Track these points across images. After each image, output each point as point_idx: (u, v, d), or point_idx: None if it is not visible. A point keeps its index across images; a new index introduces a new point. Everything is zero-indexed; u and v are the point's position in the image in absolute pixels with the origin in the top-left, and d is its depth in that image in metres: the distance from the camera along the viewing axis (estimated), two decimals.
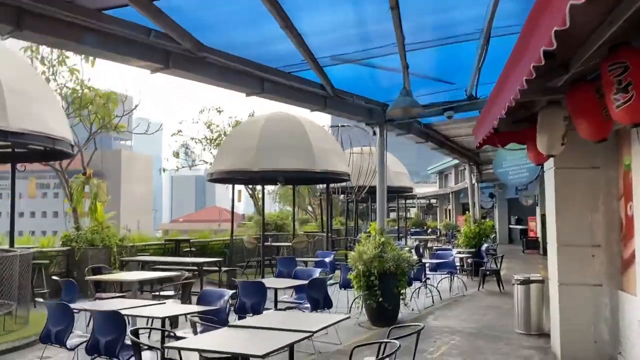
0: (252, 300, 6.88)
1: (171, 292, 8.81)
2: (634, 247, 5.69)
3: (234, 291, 6.07)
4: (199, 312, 5.49)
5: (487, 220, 17.04)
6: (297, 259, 13.01)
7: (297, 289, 8.01)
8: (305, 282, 7.31)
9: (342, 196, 20.61)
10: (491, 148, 15.28)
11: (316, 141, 13.82)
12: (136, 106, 14.47)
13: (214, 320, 5.42)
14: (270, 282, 7.74)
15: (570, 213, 6.32)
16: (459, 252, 15.03)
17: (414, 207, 52.87)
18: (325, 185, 18.98)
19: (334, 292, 10.07)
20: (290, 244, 14.26)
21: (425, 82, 7.71)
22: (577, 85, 4.31)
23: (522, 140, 6.22)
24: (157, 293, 8.77)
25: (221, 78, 5.72)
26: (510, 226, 32.41)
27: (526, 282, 7.78)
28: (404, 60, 6.11)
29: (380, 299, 8.33)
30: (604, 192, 6.24)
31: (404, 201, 32.07)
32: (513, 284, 8.01)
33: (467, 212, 17.14)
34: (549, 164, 6.51)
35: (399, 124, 9.27)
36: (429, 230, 35.89)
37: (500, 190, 28.32)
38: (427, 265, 11.23)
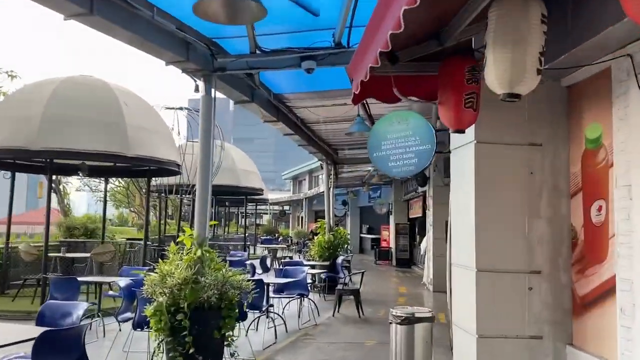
0: None
1: None
2: (605, 276, 3.35)
3: None
4: None
5: (340, 228, 14.86)
6: (87, 278, 9.30)
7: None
8: (40, 332, 3.93)
9: (175, 196, 16.99)
10: (353, 141, 13.07)
11: (133, 118, 10.30)
12: None
13: None
14: None
15: (496, 217, 3.85)
16: (311, 267, 12.50)
17: (267, 213, 50.45)
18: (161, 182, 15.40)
19: (129, 333, 6.72)
20: (89, 255, 10.45)
21: (275, 3, 4.84)
22: None
23: (430, 90, 3.64)
24: None
25: None
26: (362, 235, 31.28)
27: (409, 321, 5.25)
28: None
29: (192, 350, 5.23)
30: (549, 186, 3.87)
31: (254, 206, 29.18)
32: (390, 323, 5.42)
33: (320, 220, 14.73)
34: (465, 137, 4.02)
35: (238, 81, 6.29)
36: (280, 238, 33.47)
37: (354, 197, 26.89)
38: (271, 286, 8.38)
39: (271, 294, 8.76)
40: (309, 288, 10.51)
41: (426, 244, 14.88)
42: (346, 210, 32.48)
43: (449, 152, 5.51)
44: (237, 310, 5.76)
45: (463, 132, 3.56)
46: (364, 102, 8.10)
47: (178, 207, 26.25)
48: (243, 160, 18.46)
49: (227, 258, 14.00)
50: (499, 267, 3.78)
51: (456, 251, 4.31)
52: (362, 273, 10.02)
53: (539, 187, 3.84)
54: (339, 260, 12.60)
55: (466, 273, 3.96)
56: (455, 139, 4.27)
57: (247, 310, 6.72)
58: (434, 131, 5.36)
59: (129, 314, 6.85)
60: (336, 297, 9.99)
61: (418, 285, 15.09)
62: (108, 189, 29.89)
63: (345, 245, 14.35)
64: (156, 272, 5.58)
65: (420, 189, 17.76)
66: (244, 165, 18.14)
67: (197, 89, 5.69)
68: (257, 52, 5.48)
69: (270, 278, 9.54)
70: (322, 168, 14.44)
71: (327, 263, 12.59)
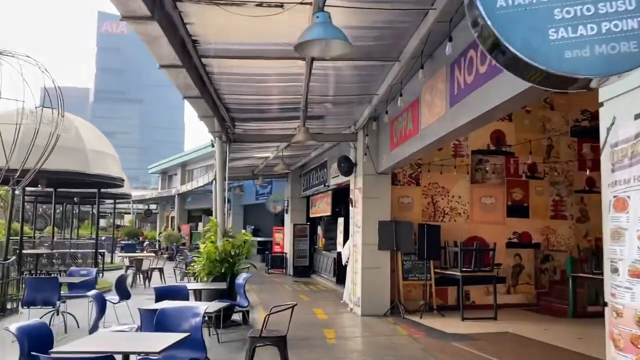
0: None
1: None
2: None
3: None
4: None
5: (243, 231, 10.72)
6: None
7: None
8: None
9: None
10: (258, 106, 9.07)
11: None
12: None
13: None
14: None
15: None
16: (196, 293, 8.31)
17: (130, 212, 43.90)
18: None
19: None
20: None
21: None
22: None
23: None
24: None
25: None
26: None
27: None
28: None
29: None
30: None
31: (113, 202, 23.62)
32: None
33: (211, 219, 10.54)
34: None
35: None
36: (146, 242, 28.03)
37: (241, 193, 22.69)
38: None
39: None
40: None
41: (349, 250, 11.34)
42: (227, 209, 28.15)
43: None
44: None
45: None
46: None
47: (8, 203, 19.92)
48: (96, 139, 13.45)
49: (65, 280, 9.21)
50: None
51: None
52: (292, 308, 6.10)
53: None
54: (241, 280, 8.53)
55: None
56: None
57: None
58: None
59: None
60: (249, 350, 5.93)
61: (337, 305, 11.51)
62: None
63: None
64: None
65: (331, 182, 14.25)
66: (96, 144, 13.15)
67: None
68: None
69: (131, 337, 5.17)
70: (212, 146, 10.21)
71: (222, 285, 8.45)
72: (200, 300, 8.38)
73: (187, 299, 6.96)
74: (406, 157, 8.27)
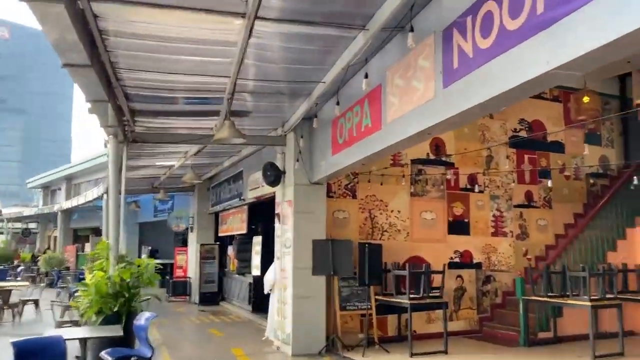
0: None
1: None
2: None
3: None
4: None
5: (144, 258, 8.55)
6: None
7: None
8: None
9: None
10: (161, 91, 6.98)
11: None
12: None
13: None
14: None
15: None
16: (82, 343, 6.07)
17: (2, 232, 38.38)
18: None
19: None
20: None
21: None
22: None
23: None
24: None
25: None
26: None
27: None
28: None
29: None
30: None
31: None
32: None
33: (101, 239, 8.31)
34: None
35: None
36: (21, 267, 23.99)
37: (137, 209, 19.90)
38: None
39: None
40: None
41: (274, 276, 9.53)
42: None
43: None
44: None
45: None
46: None
47: None
48: None
49: None
50: None
51: None
52: None
53: None
54: (142, 320, 6.40)
55: None
56: None
57: None
58: None
59: None
60: None
61: (259, 342, 9.59)
62: None
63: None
64: None
65: (249, 195, 12.37)
66: None
67: None
68: None
69: None
70: (105, 147, 7.98)
71: (116, 330, 6.26)
72: (85, 351, 6.15)
73: (64, 358, 4.79)
74: (359, 160, 6.70)
